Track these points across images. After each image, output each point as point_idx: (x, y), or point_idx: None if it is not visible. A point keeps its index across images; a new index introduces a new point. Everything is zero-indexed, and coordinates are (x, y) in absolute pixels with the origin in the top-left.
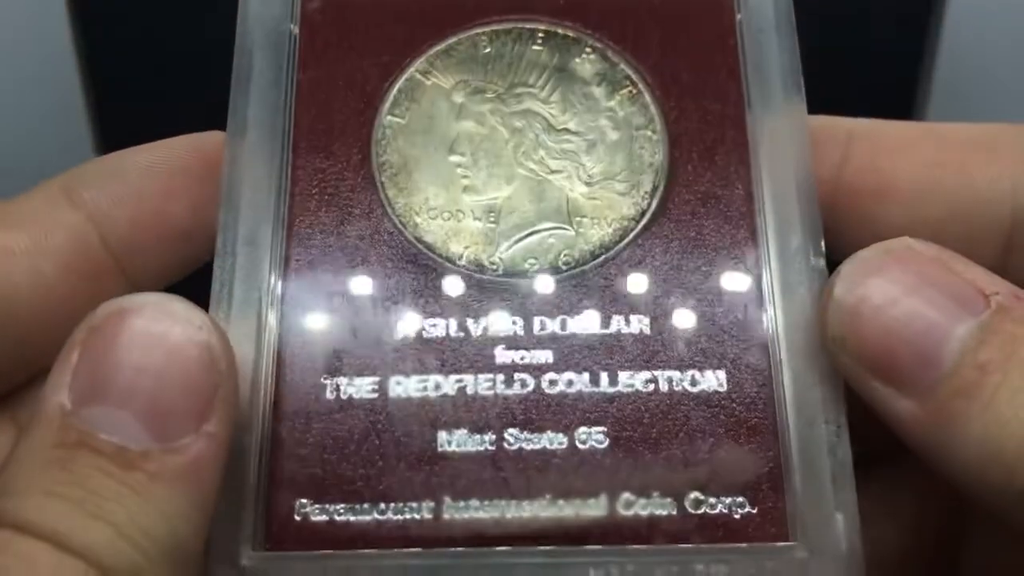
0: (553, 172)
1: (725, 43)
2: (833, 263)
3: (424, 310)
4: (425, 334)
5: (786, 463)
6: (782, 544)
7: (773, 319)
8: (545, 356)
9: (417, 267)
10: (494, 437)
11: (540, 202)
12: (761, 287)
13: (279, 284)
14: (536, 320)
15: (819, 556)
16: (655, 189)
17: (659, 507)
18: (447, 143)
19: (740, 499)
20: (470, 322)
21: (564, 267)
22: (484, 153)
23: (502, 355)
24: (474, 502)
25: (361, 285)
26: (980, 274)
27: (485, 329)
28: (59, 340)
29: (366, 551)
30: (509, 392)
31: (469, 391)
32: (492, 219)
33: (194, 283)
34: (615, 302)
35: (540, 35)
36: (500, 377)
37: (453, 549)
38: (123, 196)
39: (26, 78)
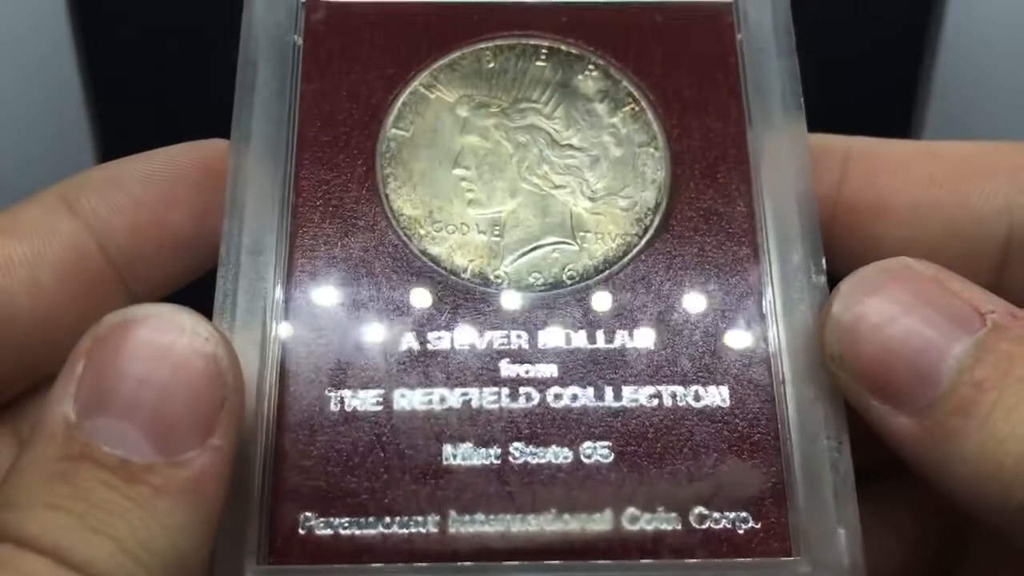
0: (557, 187)
1: (726, 61)
2: (831, 279)
3: (429, 323)
4: (430, 347)
5: (789, 478)
6: (785, 559)
7: (775, 335)
8: (550, 370)
9: (422, 280)
10: (499, 451)
11: (544, 216)
12: (763, 304)
13: (283, 295)
14: (541, 334)
15: (822, 571)
16: (658, 206)
17: (664, 522)
18: (451, 157)
19: (744, 514)
20: (475, 335)
21: (568, 281)
22: (488, 167)
23: (507, 369)
24: (479, 516)
25: (365, 297)
26: (976, 293)
27: (490, 343)
28: (58, 349)
29: (371, 565)
30: (514, 406)
31: (474, 404)
32: (496, 233)
33: (196, 292)
34: (619, 317)
35: (543, 51)
36: (505, 391)
37: (459, 564)
38: (122, 204)
39: (26, 78)
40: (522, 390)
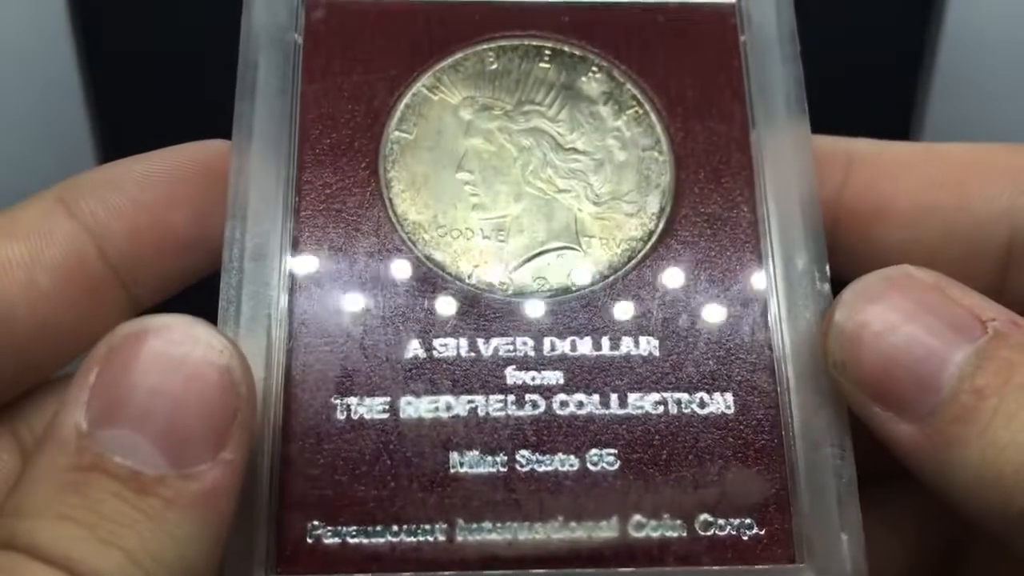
0: (561, 191)
1: (729, 64)
2: (833, 282)
3: (434, 330)
4: (436, 354)
5: (793, 485)
6: (789, 566)
7: (779, 342)
8: (556, 377)
9: (426, 285)
10: (506, 459)
11: (549, 221)
12: (767, 310)
13: (287, 302)
14: (546, 341)
15: None
16: (662, 210)
17: (670, 529)
18: (455, 160)
19: (748, 520)
20: (480, 342)
21: (573, 287)
22: (492, 171)
23: (513, 376)
24: (487, 524)
25: (370, 304)
26: (978, 300)
27: (496, 349)
28: (56, 352)
29: (379, 575)
30: (520, 413)
31: (480, 412)
32: (501, 238)
33: (197, 294)
34: (624, 323)
35: (547, 52)
36: (511, 398)
37: (466, 572)
38: (121, 206)
39: (26, 78)
40: (528, 397)
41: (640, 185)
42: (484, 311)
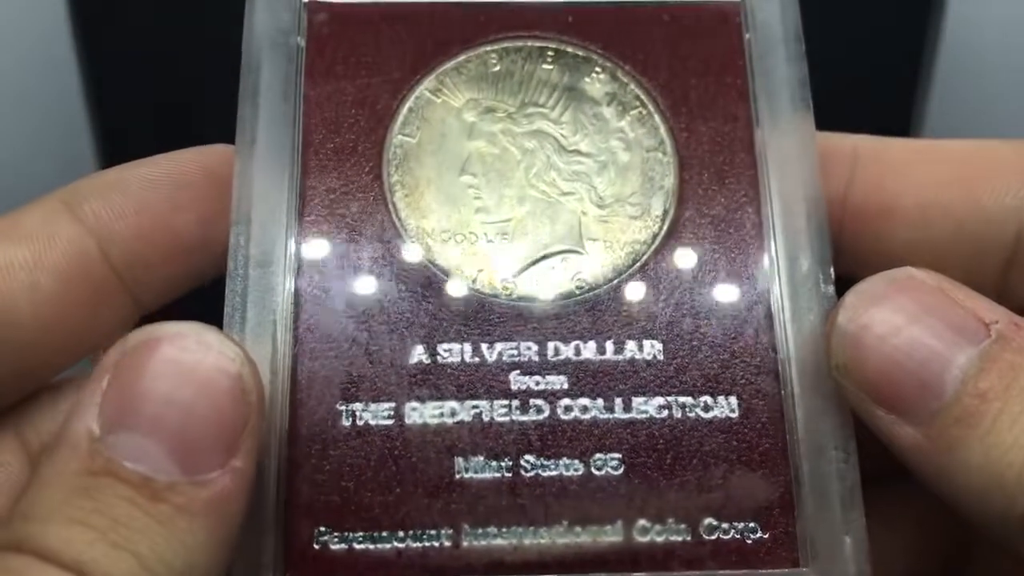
0: (565, 194)
1: (734, 62)
2: (839, 281)
3: (439, 335)
4: (440, 359)
5: (796, 489)
6: (794, 570)
7: (784, 345)
8: (560, 382)
9: (431, 290)
10: (511, 463)
11: (552, 224)
12: (772, 313)
13: (292, 308)
14: (550, 345)
15: None
16: (666, 212)
17: (674, 533)
18: (459, 163)
19: (752, 524)
20: (484, 347)
21: (577, 291)
22: (496, 174)
23: (517, 381)
24: (492, 529)
25: (375, 309)
26: (981, 303)
27: (500, 354)
28: (59, 354)
29: None
30: (525, 418)
31: (485, 417)
32: (505, 241)
33: (200, 298)
34: (628, 327)
35: (550, 54)
36: (516, 403)
37: None
38: (125, 209)
39: (26, 80)
40: (532, 402)
41: (644, 187)
42: (488, 316)
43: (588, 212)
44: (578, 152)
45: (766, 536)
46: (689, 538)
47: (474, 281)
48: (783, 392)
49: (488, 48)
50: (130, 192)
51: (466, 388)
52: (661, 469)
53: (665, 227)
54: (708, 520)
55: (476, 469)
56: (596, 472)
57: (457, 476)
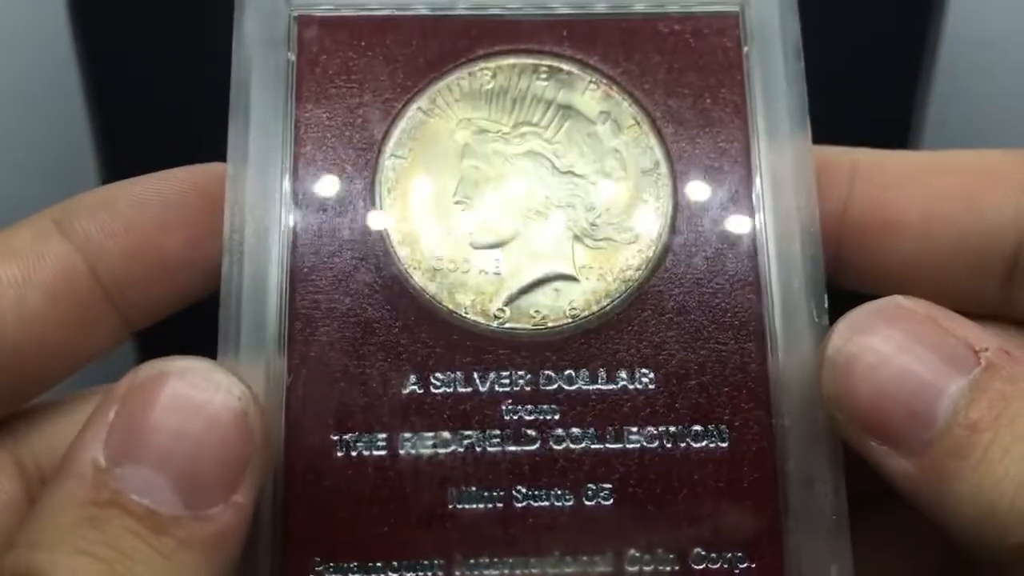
0: (557, 218)
1: (732, 77)
2: (842, 296)
3: (431, 364)
4: (433, 388)
5: (784, 519)
6: None
7: (775, 376)
8: (552, 411)
9: (423, 319)
10: (503, 494)
11: (545, 249)
12: (764, 343)
13: (285, 337)
14: (542, 374)
15: None
16: (660, 237)
17: (663, 563)
18: (451, 186)
19: (740, 554)
20: (477, 376)
21: (570, 317)
22: (489, 198)
23: (509, 411)
24: (484, 560)
25: (368, 338)
26: (971, 330)
27: (492, 384)
28: (46, 371)
29: None
30: (516, 448)
31: (477, 448)
32: (497, 268)
33: (190, 315)
34: (620, 355)
35: (544, 70)
36: (508, 433)
37: None
38: (115, 228)
39: (26, 82)
40: (524, 432)
41: (638, 210)
42: (480, 344)
43: (581, 237)
44: (572, 174)
45: (754, 566)
46: (678, 568)
47: (466, 309)
48: (773, 422)
49: (481, 64)
50: (120, 211)
51: (458, 418)
52: (651, 499)
53: (659, 253)
54: (697, 550)
55: (468, 500)
56: (587, 502)
57: (450, 507)
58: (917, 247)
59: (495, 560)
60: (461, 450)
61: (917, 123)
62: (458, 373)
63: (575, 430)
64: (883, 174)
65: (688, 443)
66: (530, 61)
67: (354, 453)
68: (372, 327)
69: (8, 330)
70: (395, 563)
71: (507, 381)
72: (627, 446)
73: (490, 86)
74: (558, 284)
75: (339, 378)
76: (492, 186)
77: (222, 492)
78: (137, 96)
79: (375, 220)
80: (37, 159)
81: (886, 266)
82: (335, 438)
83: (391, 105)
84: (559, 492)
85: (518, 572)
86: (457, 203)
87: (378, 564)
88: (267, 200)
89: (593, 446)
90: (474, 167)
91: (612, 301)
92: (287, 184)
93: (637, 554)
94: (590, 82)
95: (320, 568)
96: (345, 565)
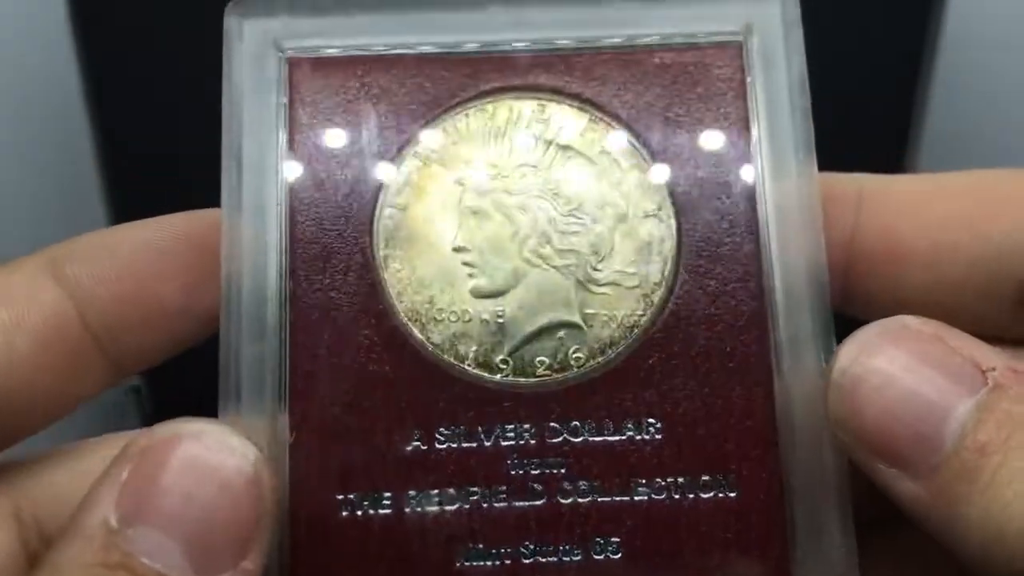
0: (560, 265)
1: (736, 110)
2: (855, 325)
3: (435, 419)
4: (437, 444)
5: (793, 571)
6: None
7: (783, 421)
8: (557, 465)
9: (425, 373)
10: (510, 551)
11: (548, 297)
12: (772, 389)
13: (287, 395)
14: (548, 426)
15: None
16: (663, 281)
17: None
18: (451, 234)
19: None
20: (481, 431)
21: (575, 366)
22: (489, 245)
23: (515, 465)
24: None
25: (369, 395)
26: (979, 349)
27: (496, 438)
28: (31, 416)
29: None
30: (523, 504)
31: (484, 504)
32: (499, 316)
33: (185, 360)
34: (625, 405)
35: (544, 107)
36: (514, 488)
37: None
38: (107, 274)
39: (25, 83)
40: (530, 486)
41: (642, 253)
42: (484, 397)
43: (584, 284)
44: (573, 217)
45: None
46: None
47: (469, 361)
48: (782, 469)
49: (478, 104)
50: (114, 257)
51: (464, 474)
52: (660, 553)
53: (662, 297)
54: None
55: (476, 558)
56: (596, 557)
57: (457, 565)
58: (927, 276)
59: None
60: (467, 507)
61: (917, 123)
62: (462, 428)
63: (582, 483)
64: (889, 201)
65: (696, 493)
66: (528, 99)
67: (359, 512)
68: (373, 382)
69: None
70: None
71: (512, 435)
72: (635, 498)
73: (488, 127)
74: (562, 332)
75: (342, 436)
76: (492, 232)
77: (232, 558)
78: (137, 96)
79: (373, 271)
80: (37, 160)
81: (895, 295)
82: (339, 497)
83: (387, 151)
84: (567, 547)
85: None
86: (456, 250)
87: None
88: (263, 251)
89: (600, 499)
90: (473, 212)
91: (617, 349)
92: (283, 234)
93: None
94: (590, 120)
95: None
96: None
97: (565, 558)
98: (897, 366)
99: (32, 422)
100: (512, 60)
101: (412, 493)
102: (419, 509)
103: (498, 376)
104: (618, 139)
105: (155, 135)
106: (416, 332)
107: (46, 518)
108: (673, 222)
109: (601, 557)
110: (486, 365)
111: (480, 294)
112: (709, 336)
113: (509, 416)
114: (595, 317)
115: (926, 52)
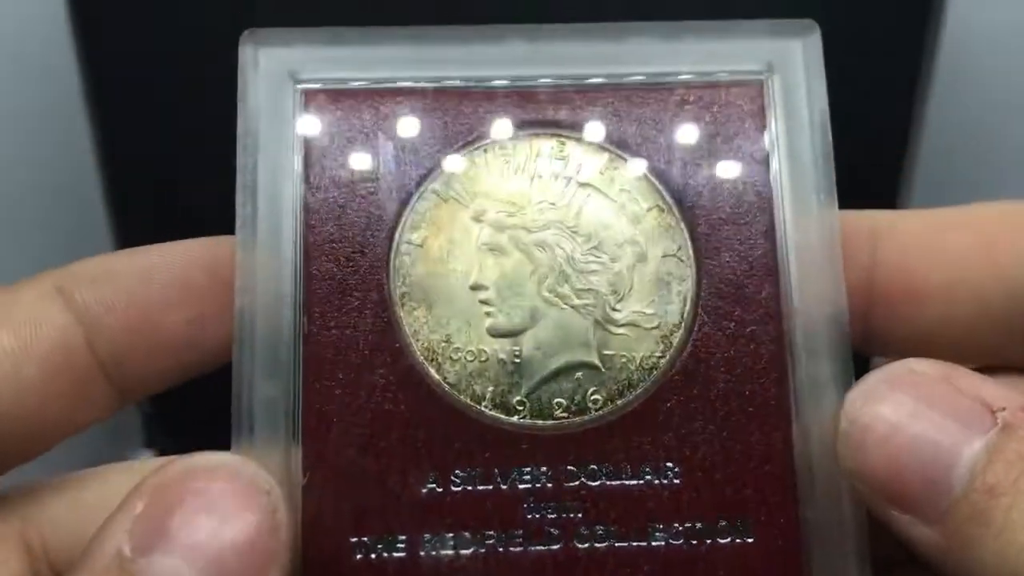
0: (578, 304)
1: (756, 150)
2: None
3: (451, 461)
4: (453, 487)
5: None
6: None
7: (802, 466)
8: (574, 509)
9: (441, 413)
10: None
11: (566, 337)
12: (791, 434)
13: (301, 436)
14: (565, 469)
15: None
16: (683, 322)
17: None
18: (468, 271)
19: None
20: (497, 473)
21: (593, 408)
22: (507, 284)
23: (531, 509)
24: None
25: (384, 434)
26: (988, 388)
27: (513, 481)
28: (36, 440)
29: None
30: (540, 548)
31: (499, 549)
32: (516, 356)
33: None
34: (644, 448)
35: (563, 144)
36: (530, 532)
37: None
38: (116, 302)
39: (26, 83)
40: (547, 531)
41: (661, 294)
42: (500, 439)
43: (604, 323)
44: (592, 258)
45: None
46: None
47: (485, 402)
48: (800, 515)
49: (498, 140)
50: (123, 284)
51: (479, 518)
52: None
53: (682, 340)
54: None
55: None
56: None
57: None
58: (943, 312)
59: None
60: (483, 551)
61: (917, 121)
62: (478, 470)
63: (599, 528)
64: (902, 239)
65: (714, 539)
66: (548, 135)
67: (373, 555)
68: (388, 422)
69: (2, 400)
70: None
71: (528, 478)
72: (652, 543)
73: (507, 163)
74: (580, 373)
75: (356, 477)
76: (510, 269)
77: None
78: (137, 97)
79: (389, 309)
80: (37, 160)
81: (914, 333)
82: (353, 540)
83: (404, 185)
84: None
85: None
86: (474, 288)
87: None
88: (278, 285)
89: (617, 544)
90: (491, 249)
91: (635, 391)
92: (298, 268)
93: None
94: (610, 158)
95: None
96: None
97: None
98: (903, 412)
99: (37, 446)
100: (532, 95)
101: (427, 536)
102: (434, 553)
103: (515, 418)
104: (638, 177)
105: (155, 136)
106: (432, 372)
107: (55, 548)
108: (693, 262)
109: None
110: (503, 406)
111: (497, 333)
112: (728, 379)
113: (526, 459)
114: (613, 358)
115: (926, 53)
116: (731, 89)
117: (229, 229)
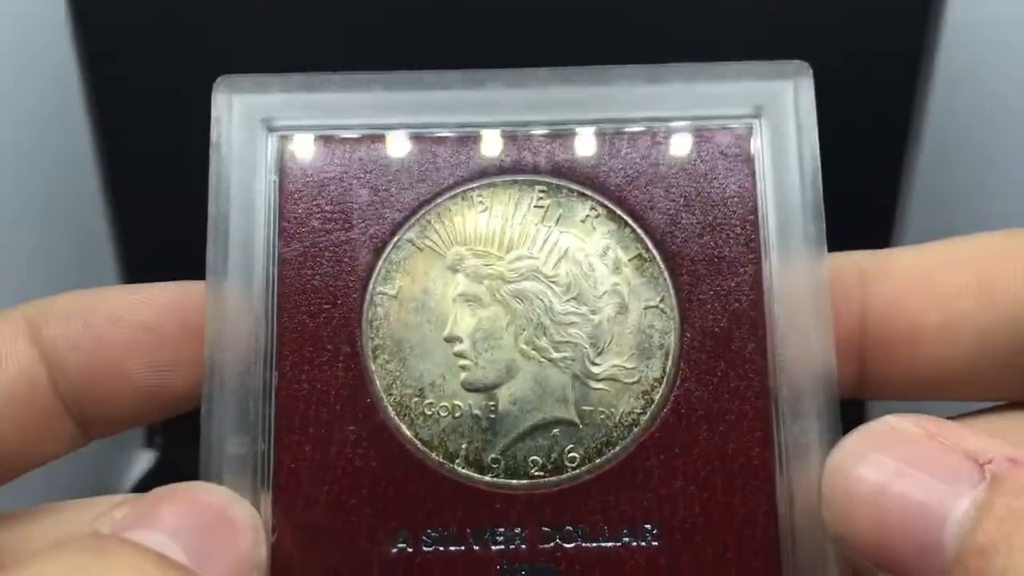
0: (556, 358)
1: (743, 197)
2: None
3: (422, 521)
4: (424, 547)
5: None
6: None
7: (786, 531)
8: (548, 572)
9: (412, 470)
10: None
11: (543, 392)
12: (774, 495)
13: (268, 496)
14: (539, 530)
15: None
16: (664, 377)
17: None
18: (442, 322)
19: None
20: (470, 533)
21: (569, 467)
22: (483, 337)
23: (504, 570)
24: None
25: (354, 491)
26: (973, 441)
27: (486, 541)
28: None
29: None
30: None
31: None
32: (491, 412)
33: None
34: (622, 508)
35: (541, 192)
36: None
37: None
38: (83, 342)
39: (25, 83)
40: None
41: (642, 347)
42: (473, 498)
43: (582, 377)
44: (571, 310)
45: None
46: None
47: (458, 458)
48: None
49: (476, 187)
50: (91, 324)
51: None
52: None
53: (663, 395)
54: None
55: None
56: None
57: None
58: (940, 350)
59: None
60: None
61: (917, 121)
62: (450, 530)
63: None
64: (893, 279)
65: None
66: (527, 183)
67: None
68: (359, 480)
69: None
70: None
71: (502, 539)
72: None
73: (484, 211)
74: (557, 430)
75: (325, 536)
76: (487, 320)
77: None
78: (137, 96)
79: (360, 362)
80: (37, 160)
81: (911, 374)
82: None
83: (378, 234)
84: None
85: None
86: (448, 340)
87: None
88: (249, 337)
89: None
90: (468, 301)
91: (614, 449)
92: (270, 319)
93: None
94: (591, 204)
95: None
96: None
97: None
98: (887, 473)
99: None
100: (512, 140)
101: None
102: None
103: (489, 476)
104: (620, 225)
105: (155, 136)
106: (404, 428)
107: None
108: (676, 314)
109: None
110: (476, 464)
111: (472, 387)
112: (710, 437)
113: (499, 519)
114: (592, 414)
115: (926, 52)
116: (718, 134)
117: None
